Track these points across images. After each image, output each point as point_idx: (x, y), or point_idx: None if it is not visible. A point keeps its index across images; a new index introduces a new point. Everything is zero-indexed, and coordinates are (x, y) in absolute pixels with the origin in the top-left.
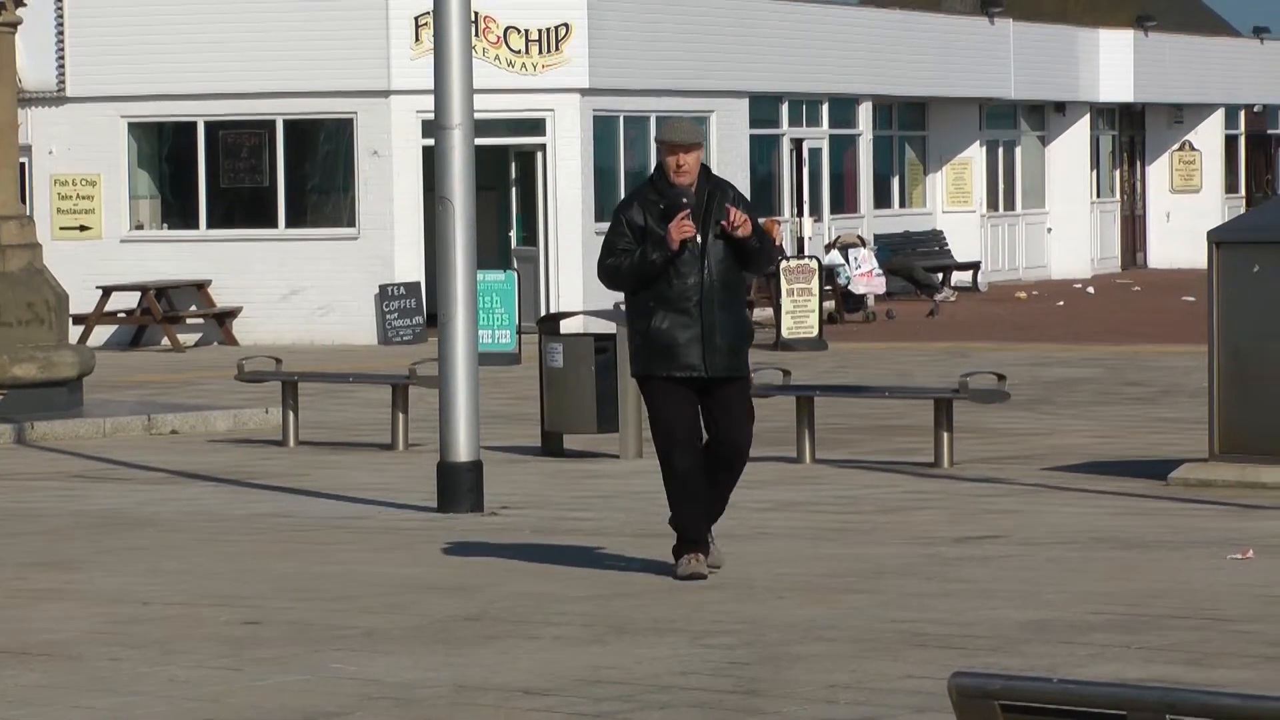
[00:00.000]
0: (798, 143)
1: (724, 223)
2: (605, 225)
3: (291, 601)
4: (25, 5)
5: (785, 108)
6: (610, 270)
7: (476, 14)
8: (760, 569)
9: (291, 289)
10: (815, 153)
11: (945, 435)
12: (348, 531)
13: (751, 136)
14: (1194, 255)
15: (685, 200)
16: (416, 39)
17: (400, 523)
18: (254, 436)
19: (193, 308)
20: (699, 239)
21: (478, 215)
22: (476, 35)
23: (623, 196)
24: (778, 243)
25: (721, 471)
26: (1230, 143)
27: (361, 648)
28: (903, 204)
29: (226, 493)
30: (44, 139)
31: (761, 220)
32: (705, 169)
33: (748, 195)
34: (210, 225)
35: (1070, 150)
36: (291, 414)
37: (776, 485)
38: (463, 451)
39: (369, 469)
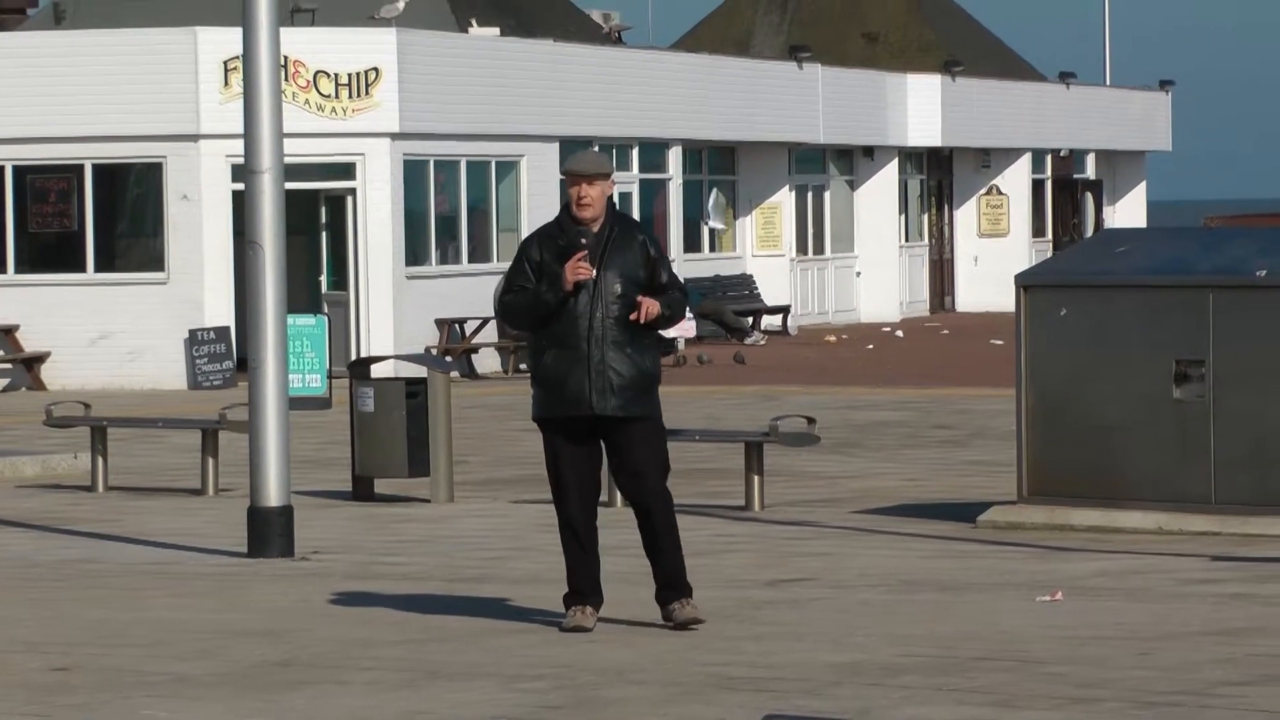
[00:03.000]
0: None
1: (635, 316)
2: (416, 269)
3: (101, 648)
4: None
5: None
6: (506, 307)
7: (286, 58)
8: None
9: (100, 334)
10: (625, 197)
11: (756, 479)
12: (158, 577)
13: (562, 181)
14: (1002, 299)
15: (584, 240)
16: (226, 83)
17: (211, 568)
18: (63, 482)
19: (0, 353)
20: (594, 277)
21: (288, 259)
22: (286, 79)
23: (433, 241)
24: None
25: (643, 519)
26: (1037, 187)
27: (173, 694)
28: (713, 248)
29: (35, 539)
30: None
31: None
32: (612, 205)
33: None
34: (18, 269)
35: (879, 194)
36: (101, 459)
37: None
38: (273, 496)
39: (179, 514)
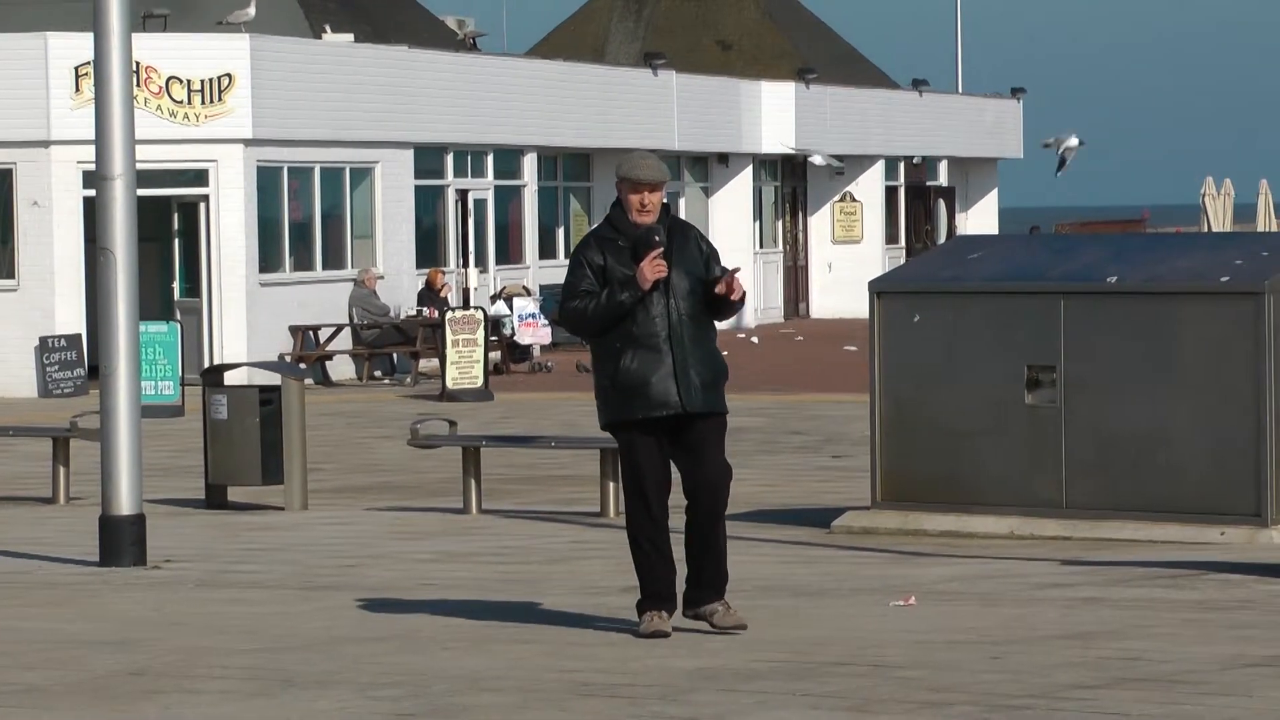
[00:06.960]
0: (463, 193)
1: (720, 290)
2: (270, 276)
3: None
4: None
5: (450, 158)
6: (575, 314)
7: (138, 64)
8: (425, 620)
9: None
10: (480, 203)
11: (611, 485)
12: (7, 587)
13: (417, 187)
14: (856, 305)
15: (657, 239)
16: (77, 89)
17: (62, 577)
18: None
19: None
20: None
21: (140, 266)
22: (138, 85)
23: (287, 248)
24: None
25: (701, 517)
26: (890, 194)
27: (22, 704)
28: (568, 254)
29: None
30: None
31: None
32: (665, 206)
33: (414, 246)
34: None
35: (733, 201)
36: None
37: (442, 536)
38: (125, 504)
39: (29, 523)
